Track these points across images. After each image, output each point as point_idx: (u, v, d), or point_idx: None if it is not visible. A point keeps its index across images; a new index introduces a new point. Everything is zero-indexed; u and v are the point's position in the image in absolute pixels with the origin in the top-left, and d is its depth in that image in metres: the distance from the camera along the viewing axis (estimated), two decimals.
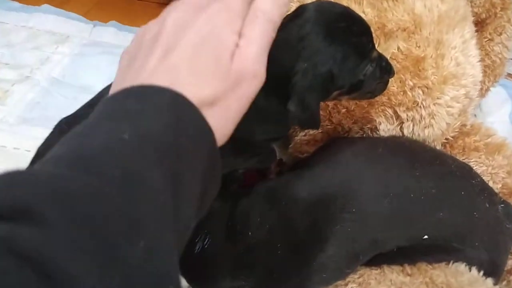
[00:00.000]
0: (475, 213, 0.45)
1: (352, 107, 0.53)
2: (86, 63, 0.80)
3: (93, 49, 0.83)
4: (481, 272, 0.44)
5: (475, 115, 0.79)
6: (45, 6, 0.91)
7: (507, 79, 0.86)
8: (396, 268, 0.44)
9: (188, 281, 0.45)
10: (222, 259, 0.42)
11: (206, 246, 0.41)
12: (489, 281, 0.44)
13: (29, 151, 0.63)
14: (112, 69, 0.81)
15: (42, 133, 0.64)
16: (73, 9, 0.93)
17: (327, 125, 0.55)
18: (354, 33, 0.39)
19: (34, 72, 0.76)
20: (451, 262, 0.44)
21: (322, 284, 0.44)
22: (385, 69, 0.42)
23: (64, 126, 0.43)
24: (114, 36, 0.87)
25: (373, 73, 0.41)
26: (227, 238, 0.42)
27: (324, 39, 0.37)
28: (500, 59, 0.68)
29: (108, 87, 0.42)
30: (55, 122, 0.67)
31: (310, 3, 0.41)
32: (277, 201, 0.43)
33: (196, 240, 0.41)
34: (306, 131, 0.57)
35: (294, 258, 0.41)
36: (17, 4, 0.91)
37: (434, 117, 0.54)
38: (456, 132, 0.61)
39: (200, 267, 0.42)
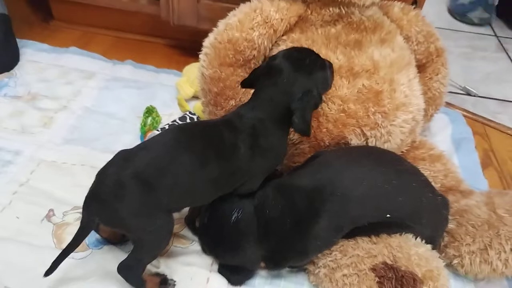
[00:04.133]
0: (423, 199, 0.64)
1: (331, 128, 0.72)
2: (111, 95, 0.96)
3: (115, 84, 0.99)
4: (423, 241, 0.63)
5: (425, 136, 1.00)
6: (72, 48, 1.07)
7: (448, 107, 1.09)
8: (366, 238, 0.62)
9: (222, 252, 0.61)
10: (249, 229, 0.59)
11: (239, 216, 0.59)
12: (429, 246, 0.62)
13: (74, 164, 0.79)
14: (132, 100, 0.99)
15: (82, 150, 0.82)
16: (94, 49, 1.10)
17: (313, 141, 0.73)
18: (316, 66, 0.64)
19: (70, 102, 0.92)
20: (403, 233, 0.62)
21: (316, 251, 0.61)
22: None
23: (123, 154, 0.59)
24: (131, 73, 1.04)
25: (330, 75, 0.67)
26: (254, 214, 0.60)
27: (303, 76, 0.62)
28: (438, 92, 0.89)
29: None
30: (94, 143, 0.84)
31: (279, 57, 0.64)
32: (284, 190, 0.61)
33: (233, 213, 0.59)
34: (297, 146, 0.75)
35: (297, 229, 0.58)
36: (46, 46, 1.07)
37: (391, 134, 0.73)
38: (408, 146, 0.81)
39: (235, 235, 0.60)
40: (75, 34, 1.18)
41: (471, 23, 1.52)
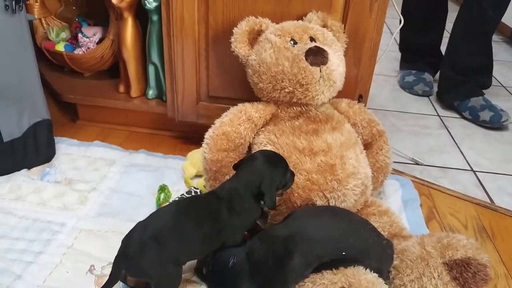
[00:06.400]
0: (369, 241, 0.88)
1: (301, 193, 0.97)
2: (130, 178, 1.21)
3: (132, 168, 1.25)
4: (372, 271, 0.85)
5: (381, 198, 1.25)
6: (96, 141, 1.35)
7: (399, 175, 1.36)
8: (329, 271, 0.84)
9: None
10: (243, 270, 0.81)
11: (235, 261, 0.81)
12: (375, 274, 0.85)
13: (106, 231, 1.02)
14: (147, 180, 1.27)
15: (112, 221, 1.05)
16: (112, 142, 1.37)
17: (288, 204, 0.98)
18: (281, 165, 0.88)
19: (99, 185, 1.16)
20: (356, 265, 0.85)
21: (293, 281, 0.83)
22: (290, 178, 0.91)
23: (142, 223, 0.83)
24: (145, 159, 1.30)
25: (290, 178, 0.89)
26: (246, 258, 0.82)
27: (270, 169, 0.86)
28: (384, 163, 1.16)
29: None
30: (120, 215, 1.07)
31: (258, 153, 0.91)
32: (267, 238, 0.84)
33: (230, 259, 0.81)
34: (277, 208, 1.00)
35: (277, 265, 0.81)
36: (75, 141, 1.34)
37: (346, 196, 0.98)
38: (362, 205, 1.06)
39: (232, 276, 0.81)
40: (96, 130, 1.46)
41: (417, 94, 1.95)
